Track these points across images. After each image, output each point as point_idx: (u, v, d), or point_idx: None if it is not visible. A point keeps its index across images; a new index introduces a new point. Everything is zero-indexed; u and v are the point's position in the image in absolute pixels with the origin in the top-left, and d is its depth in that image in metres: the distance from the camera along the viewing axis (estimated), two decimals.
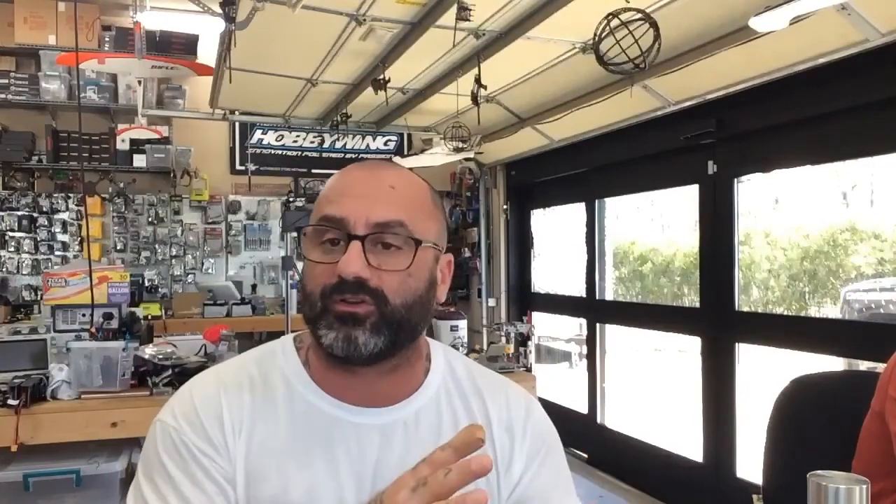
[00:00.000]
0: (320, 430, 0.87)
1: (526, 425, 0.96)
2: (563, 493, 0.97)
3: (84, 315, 2.94)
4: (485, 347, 3.87)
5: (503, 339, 3.50)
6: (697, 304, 3.66)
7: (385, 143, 6.29)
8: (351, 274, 0.80)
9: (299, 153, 6.15)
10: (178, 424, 0.85)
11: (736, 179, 3.37)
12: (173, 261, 5.72)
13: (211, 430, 0.84)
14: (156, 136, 5.51)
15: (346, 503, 0.85)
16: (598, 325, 4.62)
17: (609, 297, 4.79)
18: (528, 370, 3.31)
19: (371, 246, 0.82)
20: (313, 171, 6.14)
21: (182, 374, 2.48)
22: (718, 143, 3.37)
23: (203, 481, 0.82)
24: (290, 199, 4.99)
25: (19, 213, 5.38)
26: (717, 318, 3.43)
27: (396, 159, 5.00)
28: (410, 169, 0.94)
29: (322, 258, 0.84)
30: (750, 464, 3.22)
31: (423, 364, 0.94)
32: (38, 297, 4.96)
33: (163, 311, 4.80)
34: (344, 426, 0.87)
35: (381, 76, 3.33)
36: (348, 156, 6.21)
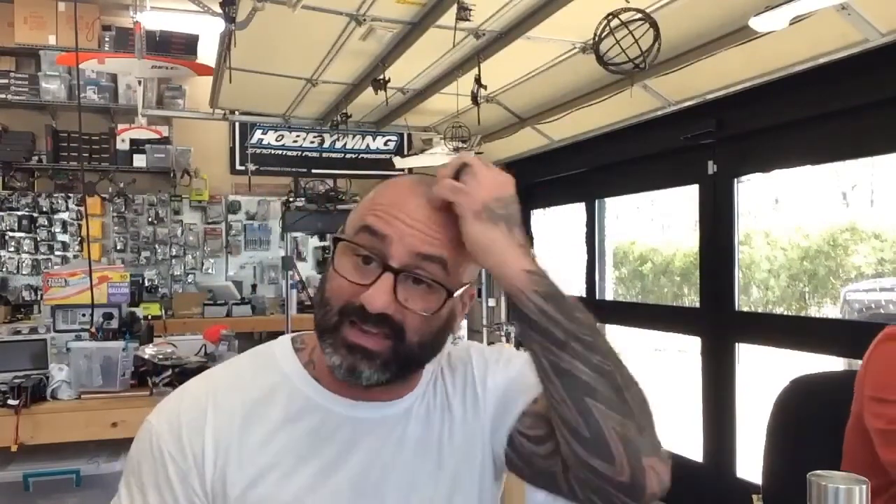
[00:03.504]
0: (316, 425, 0.86)
1: (491, 353, 0.97)
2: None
3: (84, 315, 2.94)
4: None
5: (503, 339, 3.50)
6: (697, 304, 3.66)
7: (385, 143, 6.28)
8: (376, 310, 0.78)
9: (299, 153, 6.14)
10: (160, 428, 0.85)
11: (736, 179, 3.36)
12: (173, 261, 5.72)
13: (189, 440, 0.83)
14: (156, 136, 5.51)
15: (342, 495, 0.85)
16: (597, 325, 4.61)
17: (609, 297, 4.78)
18: None
19: (403, 279, 0.79)
20: (313, 171, 6.11)
21: (182, 374, 2.48)
22: (718, 143, 3.36)
23: (165, 492, 0.82)
24: (290, 200, 4.97)
25: (19, 213, 5.38)
26: (717, 318, 3.43)
27: (396, 159, 5.00)
28: None
29: (352, 276, 0.80)
30: (750, 464, 3.22)
31: None
32: (38, 297, 4.96)
33: (163, 311, 4.80)
34: (341, 420, 0.87)
35: (381, 76, 3.33)
36: (348, 156, 6.21)
